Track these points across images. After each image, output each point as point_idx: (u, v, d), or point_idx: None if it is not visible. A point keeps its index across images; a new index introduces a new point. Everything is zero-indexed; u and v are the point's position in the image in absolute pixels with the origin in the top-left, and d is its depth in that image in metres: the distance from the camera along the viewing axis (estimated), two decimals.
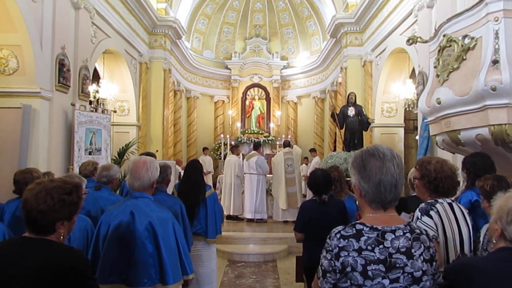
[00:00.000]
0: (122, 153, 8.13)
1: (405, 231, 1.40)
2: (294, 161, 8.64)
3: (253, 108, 15.19)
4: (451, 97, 3.51)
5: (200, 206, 3.85)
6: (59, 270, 1.48)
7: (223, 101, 15.36)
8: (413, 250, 1.37)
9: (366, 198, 1.45)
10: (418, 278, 1.36)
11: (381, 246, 1.36)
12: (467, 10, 3.53)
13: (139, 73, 9.94)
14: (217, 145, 14.08)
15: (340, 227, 1.44)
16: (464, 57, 3.44)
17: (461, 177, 2.70)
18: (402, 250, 1.36)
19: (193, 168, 4.03)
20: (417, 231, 1.44)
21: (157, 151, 9.19)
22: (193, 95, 14.50)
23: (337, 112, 8.55)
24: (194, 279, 2.91)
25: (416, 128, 8.37)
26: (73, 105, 6.45)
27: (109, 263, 2.31)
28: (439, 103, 3.66)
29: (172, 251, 2.39)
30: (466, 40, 3.44)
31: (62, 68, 6.10)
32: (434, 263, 1.43)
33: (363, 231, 1.39)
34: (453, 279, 1.48)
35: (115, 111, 8.89)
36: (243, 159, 9.26)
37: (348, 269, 1.35)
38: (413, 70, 7.63)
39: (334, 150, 11.06)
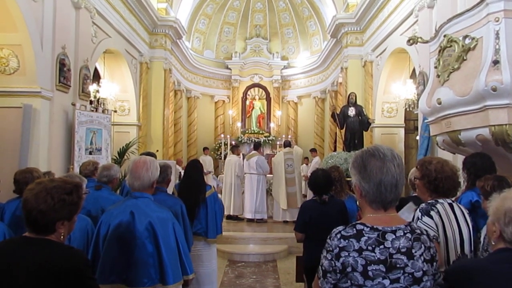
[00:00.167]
0: (122, 153, 8.14)
1: (405, 232, 1.40)
2: (295, 161, 8.65)
3: (253, 108, 15.20)
4: (452, 97, 3.51)
5: (201, 206, 3.84)
6: (59, 270, 1.48)
7: (224, 101, 15.36)
8: (413, 251, 1.37)
9: (366, 198, 1.45)
10: (418, 279, 1.36)
11: (381, 247, 1.35)
12: (467, 11, 3.53)
13: (139, 73, 9.95)
14: (218, 145, 14.09)
15: (340, 227, 1.44)
16: (465, 58, 3.44)
17: (461, 177, 2.70)
18: (403, 250, 1.36)
19: (194, 168, 4.02)
20: (418, 231, 1.43)
21: (157, 151, 9.19)
22: (194, 95, 14.50)
23: (338, 112, 8.55)
24: (194, 279, 2.91)
25: (416, 128, 8.38)
26: (73, 104, 6.45)
27: (109, 263, 2.31)
28: (439, 103, 3.66)
29: (172, 251, 2.39)
30: (467, 41, 3.44)
31: (62, 68, 6.11)
32: (434, 264, 1.43)
33: (363, 231, 1.39)
34: (454, 281, 1.48)
35: (115, 111, 8.90)
36: (243, 159, 9.26)
37: (349, 269, 1.35)
38: (414, 70, 7.63)
39: (335, 150, 11.07)
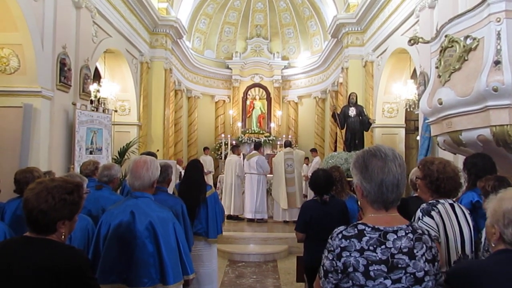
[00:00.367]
0: (123, 152, 8.14)
1: (407, 232, 1.40)
2: (295, 162, 8.64)
3: (254, 108, 15.19)
4: (453, 97, 3.50)
5: (201, 206, 3.85)
6: (60, 270, 1.48)
7: (224, 101, 15.36)
8: (415, 251, 1.37)
9: (368, 198, 1.45)
10: (420, 279, 1.36)
11: (383, 247, 1.35)
12: (469, 11, 3.52)
13: (140, 73, 9.94)
14: (218, 145, 14.08)
15: (342, 227, 1.44)
16: (466, 58, 3.43)
17: (462, 178, 2.70)
18: (404, 250, 1.36)
19: (194, 168, 4.02)
20: (419, 231, 1.43)
21: (158, 150, 9.19)
22: (194, 95, 14.50)
23: (338, 112, 8.53)
24: (195, 279, 2.91)
25: (417, 128, 8.37)
26: (74, 104, 6.45)
27: (109, 263, 2.30)
28: (440, 103, 3.65)
29: (172, 250, 2.39)
30: (468, 41, 3.43)
31: (63, 67, 6.10)
32: (436, 264, 1.42)
33: (365, 232, 1.38)
34: (455, 283, 1.48)
35: (116, 111, 8.90)
36: (243, 159, 9.26)
37: (350, 269, 1.35)
38: (414, 70, 7.62)
39: (335, 150, 11.07)
